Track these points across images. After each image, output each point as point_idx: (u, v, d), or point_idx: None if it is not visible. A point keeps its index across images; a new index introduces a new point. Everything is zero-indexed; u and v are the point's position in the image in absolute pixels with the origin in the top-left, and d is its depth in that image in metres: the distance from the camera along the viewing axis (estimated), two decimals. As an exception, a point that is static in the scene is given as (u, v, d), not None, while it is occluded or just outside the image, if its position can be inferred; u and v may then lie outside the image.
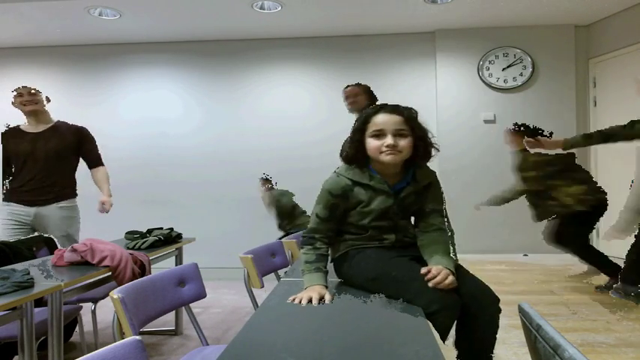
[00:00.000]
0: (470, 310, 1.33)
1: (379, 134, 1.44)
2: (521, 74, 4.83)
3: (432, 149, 1.49)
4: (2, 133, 3.20)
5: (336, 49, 5.04)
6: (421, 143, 1.46)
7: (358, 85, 3.41)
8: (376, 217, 1.48)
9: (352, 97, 3.35)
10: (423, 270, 1.34)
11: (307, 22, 4.64)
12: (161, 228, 3.11)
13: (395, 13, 4.42)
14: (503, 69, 4.84)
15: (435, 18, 4.59)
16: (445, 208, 1.69)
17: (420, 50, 4.97)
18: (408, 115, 1.46)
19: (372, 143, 1.45)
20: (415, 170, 1.51)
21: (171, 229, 3.10)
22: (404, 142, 1.43)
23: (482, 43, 4.86)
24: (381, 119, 1.45)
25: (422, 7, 4.28)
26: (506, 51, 4.84)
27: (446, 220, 1.65)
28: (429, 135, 1.48)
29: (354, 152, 1.48)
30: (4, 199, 3.11)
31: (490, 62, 4.86)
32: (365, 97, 3.36)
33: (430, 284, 1.29)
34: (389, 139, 1.41)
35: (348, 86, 3.41)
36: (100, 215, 3.61)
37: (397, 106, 1.49)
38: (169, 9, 4.28)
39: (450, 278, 1.30)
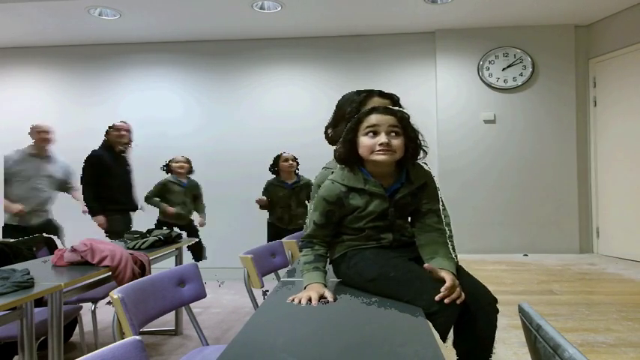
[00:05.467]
0: (468, 310, 1.33)
1: (373, 132, 1.44)
2: (521, 74, 4.83)
3: (421, 151, 1.49)
4: None
5: (336, 49, 5.04)
6: (412, 145, 1.46)
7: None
8: (372, 219, 1.48)
9: None
10: (443, 290, 1.29)
11: (307, 22, 4.64)
12: (161, 228, 3.11)
13: (395, 13, 4.42)
14: (503, 69, 4.84)
15: (435, 18, 4.59)
16: (444, 207, 1.67)
17: (420, 50, 4.97)
18: (401, 116, 1.47)
19: (365, 141, 1.44)
20: (408, 170, 1.51)
21: (172, 229, 3.10)
22: (397, 142, 1.43)
23: (482, 43, 4.86)
24: (375, 118, 1.45)
25: (422, 7, 4.28)
26: (506, 51, 4.84)
27: (445, 218, 1.64)
28: (420, 137, 1.49)
29: (347, 152, 1.48)
30: None
31: (490, 62, 4.86)
32: None
33: (446, 300, 1.27)
34: (382, 137, 1.42)
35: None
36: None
37: (389, 107, 1.50)
38: (169, 9, 4.28)
39: (458, 291, 1.30)
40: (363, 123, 1.46)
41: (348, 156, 1.48)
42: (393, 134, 1.43)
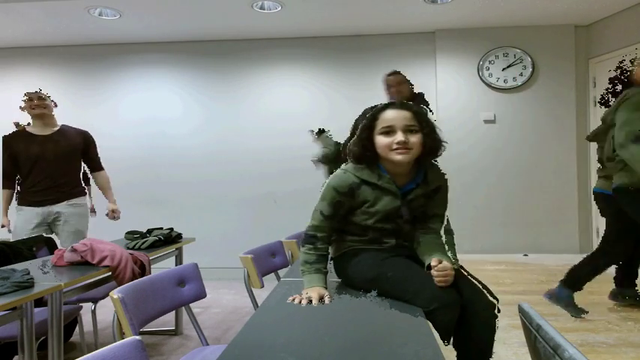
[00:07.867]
0: (465, 314, 1.32)
1: (389, 131, 1.40)
2: (521, 74, 4.83)
3: (440, 146, 1.45)
4: (8, 136, 3.28)
5: (336, 49, 5.04)
6: (428, 139, 1.42)
7: (399, 73, 3.25)
8: (381, 219, 1.46)
9: (396, 85, 3.19)
10: (433, 263, 1.33)
11: (307, 22, 4.64)
12: (161, 228, 3.11)
13: (395, 13, 4.42)
14: (503, 69, 4.84)
15: (435, 18, 4.59)
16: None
17: (420, 50, 4.97)
18: (417, 110, 1.43)
19: (382, 141, 1.41)
20: (427, 171, 1.48)
21: (171, 229, 3.10)
22: (414, 139, 1.40)
23: (482, 43, 4.86)
24: (390, 115, 1.41)
25: (422, 7, 4.28)
26: (506, 51, 4.84)
27: (447, 221, 1.64)
28: (437, 131, 1.45)
29: (363, 151, 1.45)
30: (18, 203, 3.22)
31: (490, 62, 4.86)
32: (407, 85, 3.22)
33: (436, 280, 1.29)
34: (399, 136, 1.38)
35: (391, 74, 3.24)
36: (99, 215, 3.62)
37: (405, 102, 1.47)
38: (169, 9, 4.28)
39: (449, 279, 1.30)
40: (378, 121, 1.43)
41: (363, 155, 1.45)
42: (410, 131, 1.40)
